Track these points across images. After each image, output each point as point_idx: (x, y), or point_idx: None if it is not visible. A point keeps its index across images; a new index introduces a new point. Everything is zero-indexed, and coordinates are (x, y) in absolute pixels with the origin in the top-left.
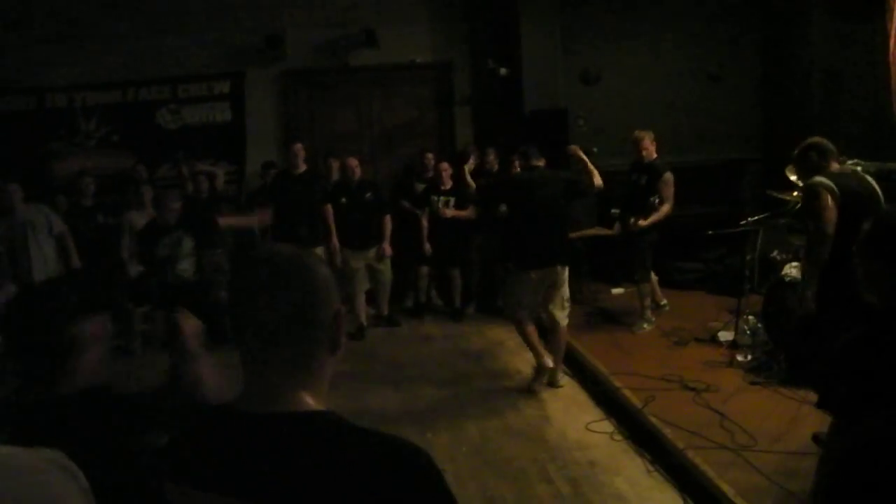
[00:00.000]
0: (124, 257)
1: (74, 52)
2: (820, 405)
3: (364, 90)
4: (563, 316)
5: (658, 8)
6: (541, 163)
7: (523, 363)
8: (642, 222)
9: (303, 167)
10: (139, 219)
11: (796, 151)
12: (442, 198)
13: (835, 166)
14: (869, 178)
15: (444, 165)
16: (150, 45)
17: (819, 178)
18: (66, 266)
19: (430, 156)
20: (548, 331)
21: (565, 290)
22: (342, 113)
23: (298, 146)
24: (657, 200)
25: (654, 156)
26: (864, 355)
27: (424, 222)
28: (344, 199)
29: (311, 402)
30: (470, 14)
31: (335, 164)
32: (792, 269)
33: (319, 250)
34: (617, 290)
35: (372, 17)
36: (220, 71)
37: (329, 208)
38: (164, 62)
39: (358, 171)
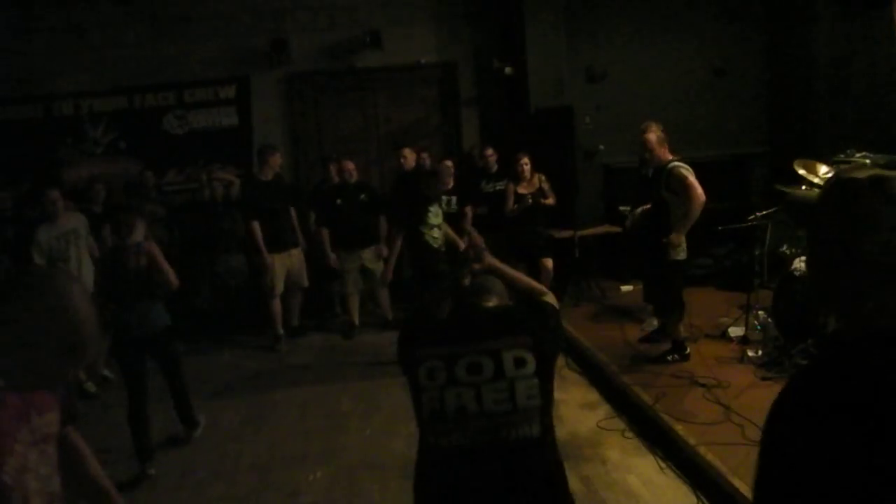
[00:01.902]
0: None
1: (80, 60)
2: None
3: (369, 92)
4: None
5: (663, 4)
6: None
7: None
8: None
9: (271, 174)
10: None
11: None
12: (444, 197)
13: None
14: None
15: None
16: (156, 51)
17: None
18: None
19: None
20: None
21: None
22: (348, 115)
23: (277, 155)
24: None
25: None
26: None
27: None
28: (339, 201)
29: None
30: (474, 14)
31: (333, 168)
32: (801, 264)
33: (297, 251)
34: (626, 288)
35: (376, 18)
36: (226, 75)
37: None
38: (169, 68)
39: (355, 174)
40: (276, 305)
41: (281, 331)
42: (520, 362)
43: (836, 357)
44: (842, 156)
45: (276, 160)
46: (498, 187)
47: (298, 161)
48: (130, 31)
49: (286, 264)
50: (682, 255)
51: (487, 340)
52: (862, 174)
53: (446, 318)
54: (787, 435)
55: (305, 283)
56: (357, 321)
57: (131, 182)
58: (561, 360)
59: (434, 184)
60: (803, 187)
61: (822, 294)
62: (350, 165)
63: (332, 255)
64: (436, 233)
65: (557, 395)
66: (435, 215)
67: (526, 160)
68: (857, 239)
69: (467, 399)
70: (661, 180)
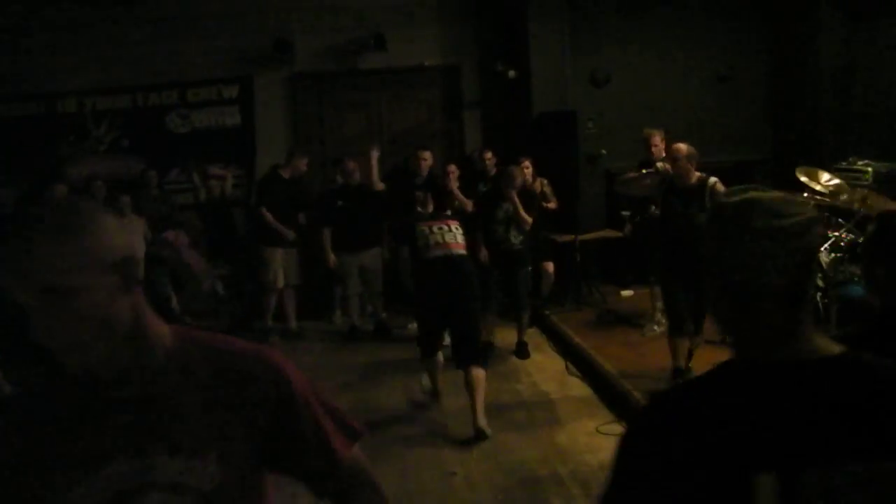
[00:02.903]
0: None
1: (84, 58)
2: None
3: (373, 94)
4: None
5: (667, 9)
6: None
7: (533, 366)
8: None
9: (289, 174)
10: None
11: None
12: None
13: None
14: None
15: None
16: (160, 49)
17: None
18: None
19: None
20: None
21: None
22: (351, 116)
23: (299, 154)
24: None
25: (664, 154)
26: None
27: None
28: (341, 202)
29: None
30: (478, 17)
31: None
32: None
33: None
34: (626, 293)
35: (381, 20)
36: (230, 75)
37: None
38: (173, 67)
39: (357, 174)
40: (273, 300)
41: (271, 323)
42: None
43: (697, 380)
44: (844, 163)
45: (302, 163)
46: None
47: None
48: (134, 30)
49: (285, 260)
50: None
51: None
52: (733, 199)
53: None
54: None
55: (295, 280)
56: (358, 323)
57: (133, 181)
58: (561, 364)
59: (511, 182)
60: (805, 195)
61: (713, 315)
62: (352, 165)
63: (332, 257)
64: (503, 229)
65: (557, 397)
66: (504, 212)
67: (527, 164)
68: (723, 264)
69: None
70: (706, 195)
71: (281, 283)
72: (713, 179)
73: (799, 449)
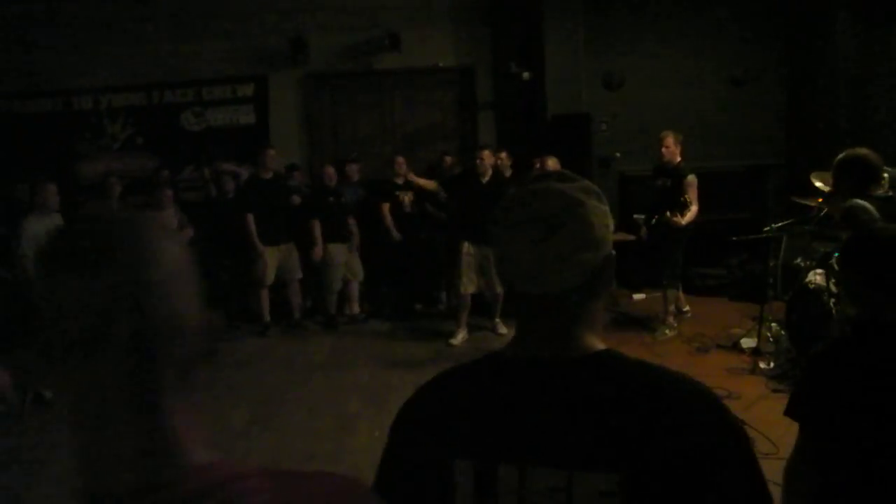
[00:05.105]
0: None
1: (101, 56)
2: (787, 412)
3: (387, 94)
4: None
5: (682, 13)
6: None
7: None
8: (679, 219)
9: (271, 172)
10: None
11: (840, 161)
12: None
13: (879, 188)
14: None
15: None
16: (175, 48)
17: (858, 202)
18: None
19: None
20: None
21: None
22: (365, 116)
23: (272, 152)
24: (688, 200)
25: (678, 158)
26: (831, 366)
27: None
28: (331, 199)
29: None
30: (493, 18)
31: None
32: (816, 276)
33: (293, 245)
34: (638, 296)
35: (395, 20)
36: (244, 74)
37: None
38: (188, 65)
39: (333, 176)
40: (264, 296)
41: (268, 318)
42: None
43: None
44: None
45: (269, 158)
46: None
47: (314, 161)
48: (150, 28)
49: (277, 257)
50: None
51: None
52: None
53: None
54: None
55: (299, 274)
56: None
57: (147, 178)
58: None
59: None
60: (819, 200)
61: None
62: (329, 170)
63: (319, 249)
64: None
65: None
66: None
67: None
68: None
69: None
70: None
71: (270, 279)
72: None
73: (502, 443)
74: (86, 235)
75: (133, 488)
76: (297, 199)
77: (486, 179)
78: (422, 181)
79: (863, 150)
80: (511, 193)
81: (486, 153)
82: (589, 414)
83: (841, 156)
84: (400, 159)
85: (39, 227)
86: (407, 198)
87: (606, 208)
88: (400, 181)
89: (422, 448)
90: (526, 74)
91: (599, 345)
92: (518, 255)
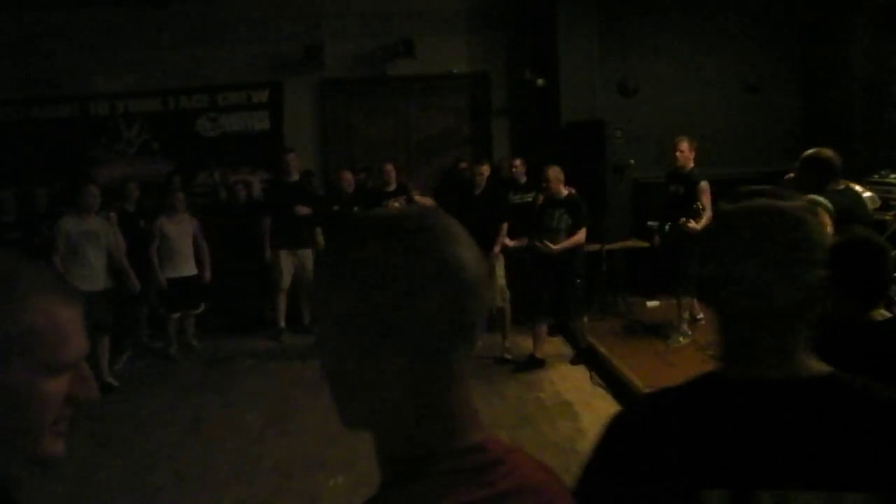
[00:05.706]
0: (154, 262)
1: (117, 61)
2: None
3: (401, 100)
4: None
5: (696, 19)
6: None
7: (557, 375)
8: (693, 225)
9: (295, 176)
10: (170, 224)
11: (801, 162)
12: None
13: (834, 185)
14: (863, 198)
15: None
16: (191, 54)
17: (816, 198)
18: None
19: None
20: None
21: None
22: (379, 122)
23: (292, 155)
24: (701, 206)
25: (692, 164)
26: None
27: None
28: (336, 208)
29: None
30: (507, 25)
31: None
32: None
33: (310, 251)
34: (652, 303)
35: (410, 27)
36: (259, 80)
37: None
38: (203, 71)
39: (351, 183)
40: (281, 300)
41: (283, 324)
42: None
43: None
44: (876, 176)
45: (292, 159)
46: (526, 199)
47: (328, 167)
48: (166, 34)
49: (293, 262)
50: None
51: None
52: (742, 205)
53: None
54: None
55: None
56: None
57: (161, 183)
58: (585, 374)
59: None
60: None
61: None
62: (347, 176)
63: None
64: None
65: (580, 408)
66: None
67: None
68: (728, 284)
69: None
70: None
71: (287, 283)
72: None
73: (757, 469)
74: None
75: (420, 455)
76: (302, 210)
77: (478, 192)
78: (418, 199)
79: (827, 152)
80: (725, 211)
81: (485, 167)
82: (839, 435)
83: (808, 153)
84: (389, 167)
85: (74, 227)
86: (398, 204)
87: (823, 227)
88: (390, 189)
89: (656, 477)
90: (540, 81)
91: (819, 364)
92: (749, 272)
